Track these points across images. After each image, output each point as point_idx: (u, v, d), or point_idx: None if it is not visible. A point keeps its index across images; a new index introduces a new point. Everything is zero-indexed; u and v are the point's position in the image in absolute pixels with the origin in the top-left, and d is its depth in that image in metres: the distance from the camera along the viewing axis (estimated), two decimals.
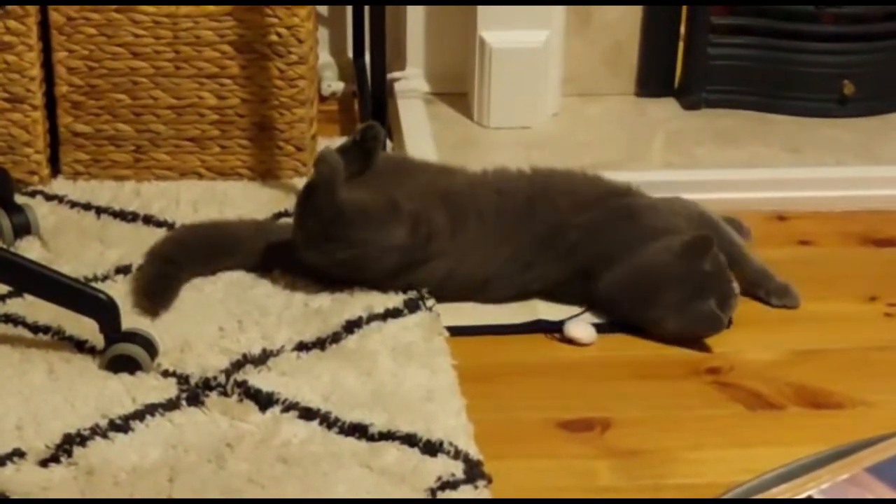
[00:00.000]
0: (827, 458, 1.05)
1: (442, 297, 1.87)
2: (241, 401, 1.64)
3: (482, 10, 2.36)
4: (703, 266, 1.80)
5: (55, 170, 2.22)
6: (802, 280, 1.96)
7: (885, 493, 1.01)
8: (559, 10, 2.40)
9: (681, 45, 2.48)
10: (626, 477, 1.56)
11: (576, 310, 1.86)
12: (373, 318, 1.82)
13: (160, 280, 1.86)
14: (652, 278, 1.82)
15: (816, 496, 1.01)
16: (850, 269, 2.04)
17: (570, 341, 1.82)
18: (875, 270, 2.04)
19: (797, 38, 2.45)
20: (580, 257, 1.86)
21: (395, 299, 1.86)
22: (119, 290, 1.85)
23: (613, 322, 1.85)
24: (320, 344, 1.76)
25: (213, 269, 1.92)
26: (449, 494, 1.48)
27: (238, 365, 1.71)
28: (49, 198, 2.15)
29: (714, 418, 1.67)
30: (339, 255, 1.84)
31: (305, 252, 1.86)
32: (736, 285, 1.84)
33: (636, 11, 2.47)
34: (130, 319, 1.76)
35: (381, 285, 1.86)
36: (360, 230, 1.83)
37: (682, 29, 2.47)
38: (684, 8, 2.45)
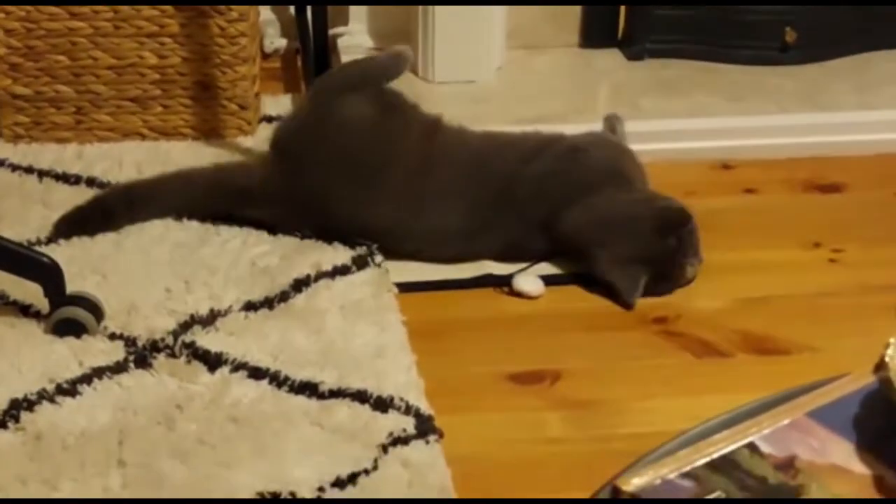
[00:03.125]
0: (770, 404, 1.07)
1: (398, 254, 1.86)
2: (189, 362, 1.63)
3: None
4: (668, 240, 1.81)
5: None
6: (748, 228, 1.98)
7: (826, 436, 1.03)
8: None
9: None
10: (577, 428, 1.57)
11: (524, 263, 1.87)
12: (321, 275, 1.81)
13: (76, 211, 1.92)
14: (617, 226, 1.84)
15: (758, 441, 1.02)
16: (795, 216, 2.06)
17: (519, 295, 1.82)
18: (819, 217, 2.06)
19: None
20: (535, 210, 1.86)
21: (343, 256, 1.85)
22: (63, 254, 1.82)
23: (562, 274, 1.86)
24: (268, 303, 1.76)
25: (162, 211, 1.93)
26: (400, 449, 1.48)
27: (186, 326, 1.70)
28: None
29: (662, 367, 1.69)
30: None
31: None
32: (693, 269, 1.83)
33: None
34: (76, 283, 1.75)
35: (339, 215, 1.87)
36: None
37: None
38: None
